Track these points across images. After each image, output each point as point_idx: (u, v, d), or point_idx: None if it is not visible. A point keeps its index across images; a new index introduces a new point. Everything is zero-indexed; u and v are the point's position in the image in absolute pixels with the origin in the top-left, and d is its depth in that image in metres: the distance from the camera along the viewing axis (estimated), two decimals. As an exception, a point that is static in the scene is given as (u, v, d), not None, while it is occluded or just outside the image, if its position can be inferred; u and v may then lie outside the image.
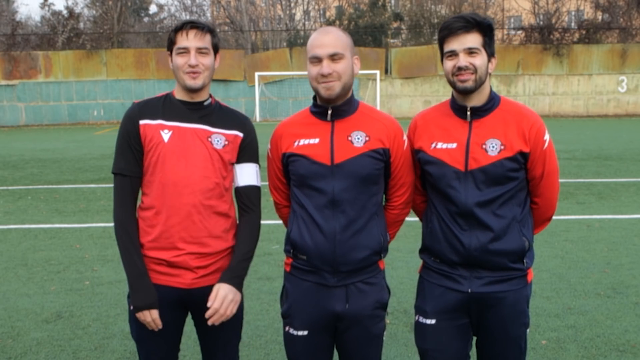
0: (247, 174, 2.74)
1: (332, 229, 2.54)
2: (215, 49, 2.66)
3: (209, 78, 2.64)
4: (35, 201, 10.04)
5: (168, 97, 2.70)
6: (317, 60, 2.51)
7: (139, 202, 2.71)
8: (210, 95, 2.72)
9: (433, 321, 2.64)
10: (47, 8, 34.65)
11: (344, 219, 2.54)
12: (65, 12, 33.61)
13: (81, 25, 35.31)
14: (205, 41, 2.60)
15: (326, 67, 2.49)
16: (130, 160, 2.63)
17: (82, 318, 4.92)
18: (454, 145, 2.53)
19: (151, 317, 2.59)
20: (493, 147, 2.49)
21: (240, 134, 2.71)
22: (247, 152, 2.74)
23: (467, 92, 2.50)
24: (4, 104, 30.42)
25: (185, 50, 2.57)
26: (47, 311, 5.08)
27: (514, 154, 2.48)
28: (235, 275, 2.64)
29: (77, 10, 36.08)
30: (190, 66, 2.56)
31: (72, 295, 5.47)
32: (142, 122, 2.62)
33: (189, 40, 2.57)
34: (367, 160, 2.55)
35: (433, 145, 2.57)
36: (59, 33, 31.84)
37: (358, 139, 2.56)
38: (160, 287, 2.63)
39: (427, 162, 2.58)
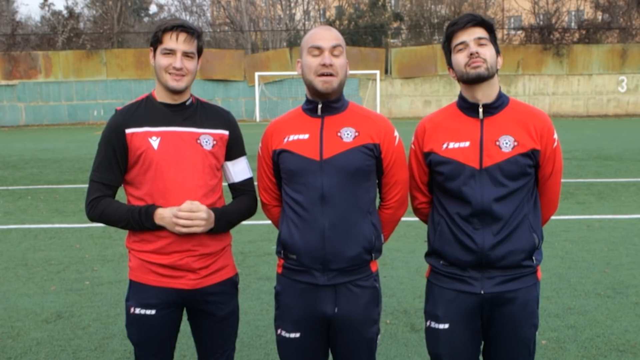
0: (241, 170, 2.80)
1: (321, 225, 2.52)
2: (199, 52, 2.65)
3: (192, 81, 2.63)
4: (35, 201, 10.04)
5: (149, 101, 2.67)
6: (319, 50, 2.51)
7: None
8: (191, 94, 2.71)
9: (446, 326, 2.61)
10: (47, 8, 34.72)
11: (333, 215, 2.52)
12: (65, 12, 33.66)
13: (81, 25, 35.34)
14: (193, 46, 2.59)
15: (327, 57, 2.50)
16: (115, 171, 2.62)
17: (82, 318, 4.91)
18: (467, 143, 2.53)
19: (169, 212, 2.54)
20: (507, 143, 2.50)
21: (226, 132, 2.73)
22: (235, 148, 2.78)
23: (480, 80, 2.49)
24: (4, 104, 30.43)
25: (172, 52, 2.55)
26: (47, 311, 5.07)
27: (527, 150, 2.50)
28: (216, 211, 2.64)
29: (77, 10, 36.15)
30: (175, 69, 2.55)
31: (72, 295, 5.47)
32: (128, 130, 2.59)
33: (178, 43, 2.54)
34: (357, 155, 2.54)
35: (445, 145, 2.56)
36: (59, 33, 31.85)
37: (347, 134, 2.56)
38: (163, 289, 2.63)
39: (440, 162, 2.57)
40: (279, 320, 2.71)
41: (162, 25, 2.59)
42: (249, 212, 2.84)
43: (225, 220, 2.68)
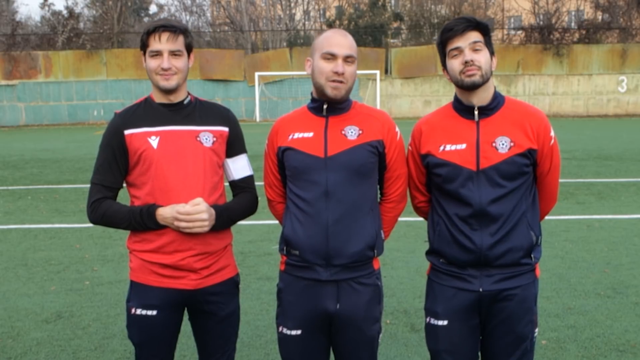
0: (241, 167, 2.80)
1: (325, 221, 2.55)
2: (189, 48, 2.64)
3: (184, 78, 2.64)
4: (35, 201, 10.04)
5: (148, 102, 2.69)
6: (333, 57, 2.54)
7: None
8: (189, 93, 2.72)
9: (445, 322, 2.64)
10: (47, 8, 34.67)
11: (337, 211, 2.55)
12: (65, 12, 33.62)
13: (81, 25, 35.33)
14: (178, 43, 2.58)
15: (341, 66, 2.53)
16: (115, 173, 2.63)
17: (82, 318, 4.91)
18: (464, 145, 2.54)
19: (170, 210, 2.55)
20: (503, 144, 2.51)
21: (226, 129, 2.73)
22: (235, 145, 2.78)
23: (475, 87, 2.51)
24: (4, 104, 30.41)
25: (158, 53, 2.56)
26: (47, 311, 5.07)
27: (524, 150, 2.51)
28: (216, 207, 2.63)
29: (77, 10, 36.13)
30: (163, 69, 2.56)
31: (72, 295, 5.47)
32: (127, 132, 2.61)
33: (162, 43, 2.55)
34: (361, 152, 2.58)
35: (441, 148, 2.58)
36: (59, 33, 31.83)
37: (352, 132, 2.60)
38: (164, 290, 2.63)
39: (437, 165, 2.59)
40: (280, 318, 2.72)
41: (145, 28, 2.61)
42: (251, 210, 2.84)
43: (226, 217, 2.68)
